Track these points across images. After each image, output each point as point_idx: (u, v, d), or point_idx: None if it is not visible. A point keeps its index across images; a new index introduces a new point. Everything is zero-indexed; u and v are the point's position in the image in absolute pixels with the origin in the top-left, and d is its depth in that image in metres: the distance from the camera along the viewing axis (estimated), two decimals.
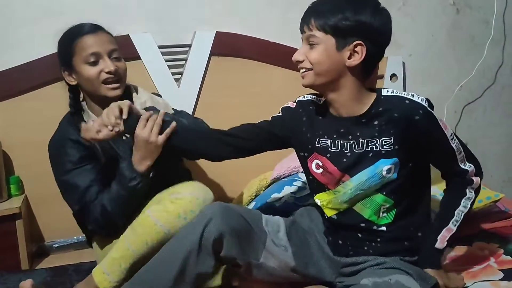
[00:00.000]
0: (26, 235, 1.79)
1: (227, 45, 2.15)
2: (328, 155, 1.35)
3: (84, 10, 1.97)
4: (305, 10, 1.33)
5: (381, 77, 2.39)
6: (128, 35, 2.00)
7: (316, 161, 1.38)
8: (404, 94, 1.28)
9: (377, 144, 1.29)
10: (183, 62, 2.12)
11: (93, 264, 1.69)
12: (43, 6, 1.93)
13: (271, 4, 2.24)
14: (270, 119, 1.48)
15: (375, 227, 1.34)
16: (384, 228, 1.34)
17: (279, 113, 1.49)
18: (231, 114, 2.19)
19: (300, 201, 1.77)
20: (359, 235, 1.36)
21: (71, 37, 1.55)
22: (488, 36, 2.57)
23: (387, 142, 1.29)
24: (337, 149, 1.34)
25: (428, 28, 2.51)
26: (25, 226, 1.81)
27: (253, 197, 1.92)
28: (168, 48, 2.09)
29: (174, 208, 1.36)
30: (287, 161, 2.05)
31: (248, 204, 1.89)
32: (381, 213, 1.33)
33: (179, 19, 2.12)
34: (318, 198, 1.41)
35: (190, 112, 2.11)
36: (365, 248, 1.35)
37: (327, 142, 1.36)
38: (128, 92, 1.64)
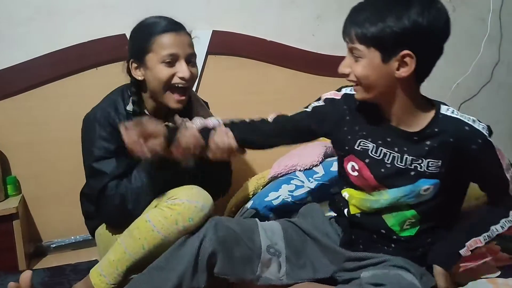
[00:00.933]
0: (23, 236, 1.79)
1: (224, 44, 2.15)
2: (367, 160, 1.28)
3: (80, 10, 1.96)
4: (347, 16, 1.21)
5: None
6: (125, 34, 1.99)
7: (352, 163, 1.31)
8: (465, 119, 1.22)
9: (422, 164, 1.22)
10: None
11: (91, 264, 1.68)
12: (39, 5, 1.92)
13: (267, 3, 2.24)
14: (310, 110, 1.39)
15: (394, 237, 1.31)
16: (402, 239, 1.30)
17: (321, 102, 1.39)
18: (228, 113, 2.19)
19: (297, 199, 1.77)
20: (374, 236, 1.33)
21: (150, 32, 1.46)
22: (484, 34, 2.57)
23: (434, 164, 1.22)
24: (378, 156, 1.27)
25: None
26: (23, 226, 1.81)
27: (251, 196, 1.92)
28: None
29: (171, 214, 1.32)
30: (284, 159, 2.05)
31: (245, 203, 1.89)
32: (405, 225, 1.29)
33: (175, 18, 2.10)
34: (348, 192, 1.35)
35: None
36: (377, 249, 1.32)
37: (369, 145, 1.28)
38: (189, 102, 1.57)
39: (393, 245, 1.32)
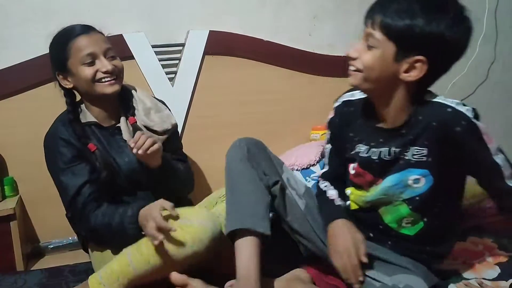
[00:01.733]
0: (21, 236, 1.79)
1: (221, 44, 2.15)
2: (358, 160, 1.31)
3: (76, 10, 1.96)
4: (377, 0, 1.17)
5: None
6: (121, 34, 2.00)
7: (352, 165, 1.35)
8: (448, 102, 1.17)
9: (407, 153, 1.21)
10: (176, 61, 2.12)
11: (88, 265, 1.68)
12: (35, 6, 1.92)
13: (264, 3, 2.24)
14: (329, 145, 1.43)
15: (392, 233, 1.31)
16: (400, 236, 1.31)
17: (328, 131, 1.42)
18: (225, 113, 2.20)
19: None
20: (371, 234, 1.34)
21: (64, 40, 1.51)
22: (480, 33, 2.58)
23: (419, 153, 1.20)
24: (368, 155, 1.28)
25: None
26: (20, 227, 1.80)
27: None
28: (161, 48, 2.09)
29: (182, 234, 1.33)
30: (282, 159, 2.05)
31: None
32: (403, 224, 1.29)
33: (172, 18, 2.11)
34: (350, 190, 1.38)
35: (184, 111, 2.11)
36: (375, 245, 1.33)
37: (362, 148, 1.30)
38: (127, 93, 1.63)
39: (389, 242, 1.33)
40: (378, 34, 1.13)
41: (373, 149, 1.28)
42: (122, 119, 1.59)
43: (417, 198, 1.25)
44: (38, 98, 1.91)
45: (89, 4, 1.98)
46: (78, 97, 1.61)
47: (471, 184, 1.63)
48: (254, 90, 2.22)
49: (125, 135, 1.56)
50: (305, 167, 1.98)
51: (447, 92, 2.58)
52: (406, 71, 1.14)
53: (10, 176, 1.92)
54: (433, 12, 1.09)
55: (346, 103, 1.36)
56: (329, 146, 1.44)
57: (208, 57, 2.13)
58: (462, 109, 1.15)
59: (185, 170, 1.68)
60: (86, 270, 1.67)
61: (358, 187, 1.35)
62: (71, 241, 1.94)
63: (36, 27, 1.91)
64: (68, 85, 1.55)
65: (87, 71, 1.49)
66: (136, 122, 1.59)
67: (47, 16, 1.92)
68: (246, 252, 1.26)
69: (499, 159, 1.18)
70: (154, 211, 1.34)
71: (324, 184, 1.45)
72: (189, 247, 1.32)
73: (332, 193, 1.41)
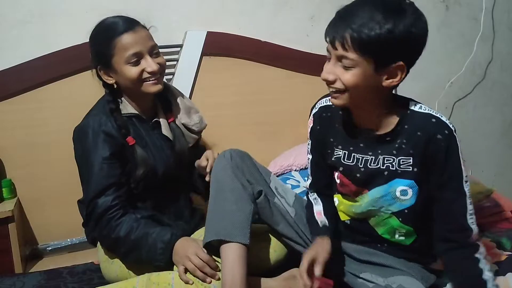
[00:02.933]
0: (19, 239, 1.79)
1: (219, 45, 2.15)
2: (341, 169, 1.31)
3: (73, 12, 1.96)
4: (335, 17, 1.14)
5: None
6: None
7: (336, 172, 1.35)
8: (433, 112, 1.18)
9: (393, 163, 1.22)
10: (174, 62, 2.12)
11: (87, 266, 1.68)
12: (31, 8, 1.92)
13: (261, 4, 2.24)
14: (311, 156, 1.42)
15: (387, 241, 1.32)
16: (396, 243, 1.31)
17: (308, 141, 1.41)
18: (223, 113, 2.20)
19: None
20: (367, 238, 1.35)
21: (109, 36, 1.46)
22: (477, 33, 2.59)
23: (405, 162, 1.20)
24: (352, 162, 1.28)
25: None
26: (18, 230, 1.80)
27: None
28: (159, 49, 2.08)
29: None
30: (280, 159, 2.06)
31: None
32: (396, 235, 1.30)
33: (170, 19, 2.11)
34: (337, 198, 1.39)
35: None
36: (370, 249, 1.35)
37: (340, 153, 1.30)
38: (164, 88, 1.57)
39: (386, 245, 1.33)
40: (351, 55, 1.10)
41: (357, 155, 1.27)
42: (161, 114, 1.58)
43: (406, 211, 1.25)
44: (36, 100, 1.91)
45: (86, 6, 1.97)
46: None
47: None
48: (252, 90, 2.22)
49: (165, 130, 1.56)
50: (303, 168, 1.99)
51: (445, 91, 2.59)
52: (388, 78, 1.13)
53: (8, 178, 1.91)
54: (394, 15, 1.07)
55: (324, 108, 1.36)
56: (310, 156, 1.43)
57: (206, 58, 2.13)
58: (446, 121, 1.18)
59: None
60: (85, 271, 1.68)
61: (345, 195, 1.35)
62: (69, 243, 1.94)
63: (33, 29, 1.91)
64: (110, 80, 1.51)
65: (133, 71, 1.45)
66: (174, 121, 1.60)
67: (44, 18, 1.92)
68: (230, 258, 1.27)
69: (467, 188, 1.17)
70: (190, 254, 1.33)
71: (313, 196, 1.44)
72: None
73: (318, 208, 1.40)
